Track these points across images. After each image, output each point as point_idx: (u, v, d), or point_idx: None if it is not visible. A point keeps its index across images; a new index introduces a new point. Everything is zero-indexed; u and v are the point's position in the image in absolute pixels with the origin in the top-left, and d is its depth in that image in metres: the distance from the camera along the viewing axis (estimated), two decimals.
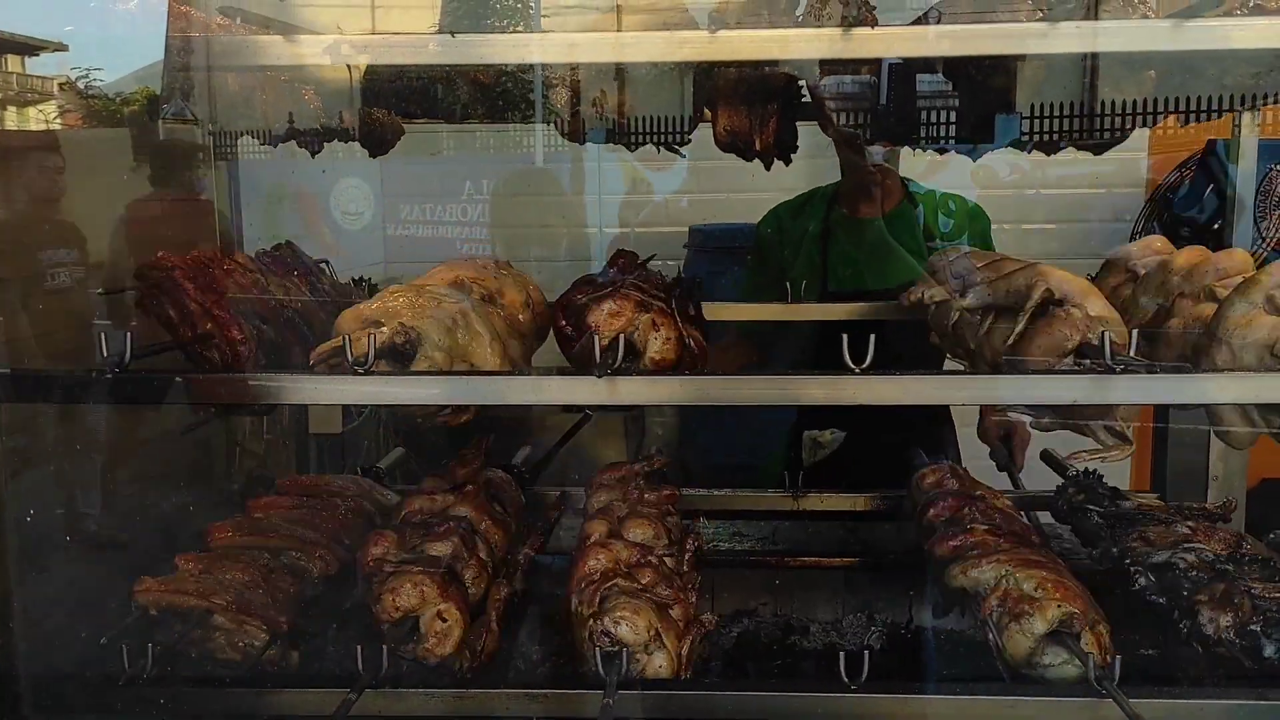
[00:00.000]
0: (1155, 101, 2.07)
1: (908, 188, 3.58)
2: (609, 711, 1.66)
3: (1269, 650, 1.80)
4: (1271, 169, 3.85)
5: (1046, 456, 3.08)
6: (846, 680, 1.77)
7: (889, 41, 1.62)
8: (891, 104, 2.15)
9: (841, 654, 1.80)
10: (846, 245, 3.50)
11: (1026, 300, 1.91)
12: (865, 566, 2.87)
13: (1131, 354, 1.69)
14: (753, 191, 3.80)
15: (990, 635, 1.88)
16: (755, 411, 3.76)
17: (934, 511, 2.50)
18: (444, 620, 1.87)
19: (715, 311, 3.03)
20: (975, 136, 2.32)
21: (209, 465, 2.81)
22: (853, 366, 1.71)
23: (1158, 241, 2.46)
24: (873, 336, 1.73)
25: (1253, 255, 4.19)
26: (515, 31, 2.09)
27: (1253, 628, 1.87)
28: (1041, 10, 1.73)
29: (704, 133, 2.44)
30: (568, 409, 3.37)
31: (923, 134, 2.29)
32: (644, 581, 1.87)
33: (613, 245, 5.26)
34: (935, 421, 3.57)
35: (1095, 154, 2.04)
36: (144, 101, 2.87)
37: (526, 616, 2.34)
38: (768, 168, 2.10)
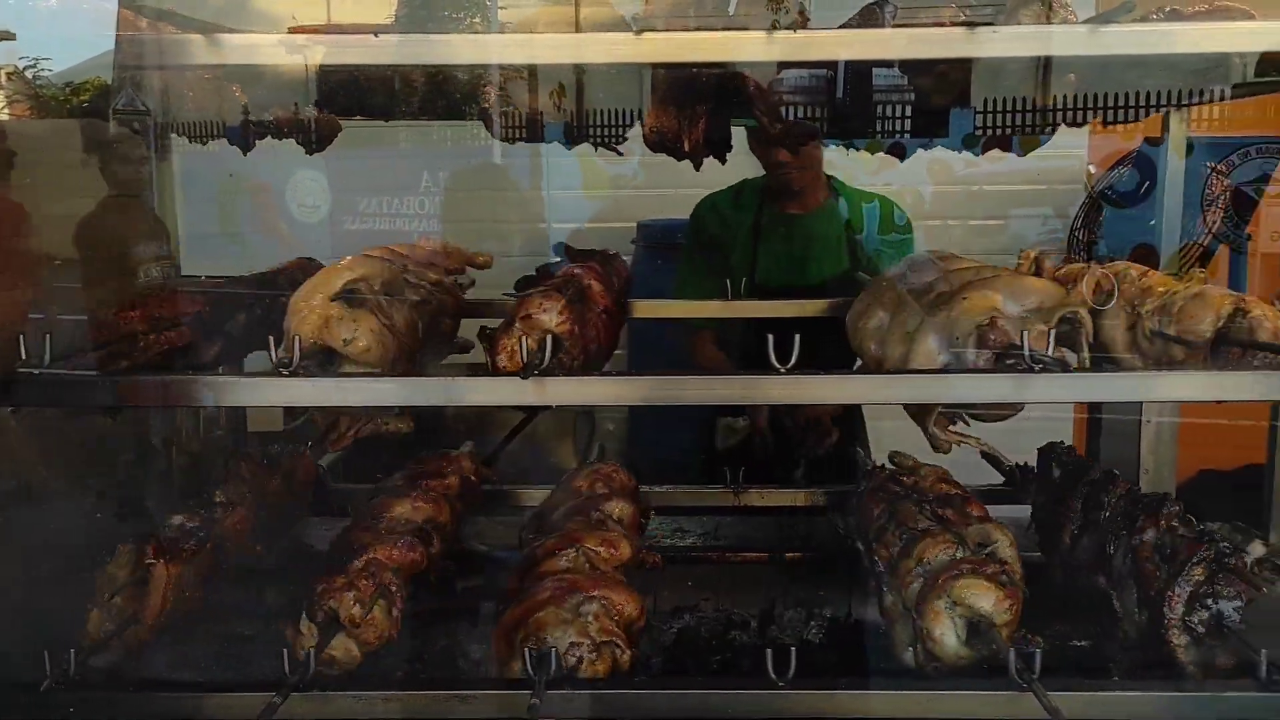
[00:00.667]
0: (1080, 99, 2.11)
1: (832, 183, 3.62)
2: (535, 710, 1.66)
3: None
4: (1206, 166, 3.94)
5: (985, 454, 3.12)
6: (774, 676, 1.79)
7: (802, 45, 1.63)
8: (848, 99, 2.17)
9: (769, 651, 1.82)
10: (776, 241, 3.55)
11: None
12: (805, 561, 2.91)
13: (1049, 353, 1.72)
14: (702, 187, 3.82)
15: (915, 621, 1.92)
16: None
17: (878, 510, 2.53)
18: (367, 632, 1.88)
19: (653, 309, 3.05)
20: (924, 132, 2.35)
21: (144, 464, 2.77)
22: (777, 366, 1.73)
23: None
24: (796, 337, 1.75)
25: (1197, 245, 4.29)
26: (472, 23, 2.08)
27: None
28: (964, 12, 1.75)
29: None
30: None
31: (876, 129, 2.31)
32: (582, 586, 1.88)
33: (568, 240, 5.28)
34: (846, 411, 3.63)
35: (1020, 155, 2.07)
36: (95, 91, 2.82)
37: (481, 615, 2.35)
38: (696, 168, 2.11)
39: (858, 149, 3.76)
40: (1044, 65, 1.90)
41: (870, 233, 3.55)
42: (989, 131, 2.26)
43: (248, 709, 1.73)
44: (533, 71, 2.00)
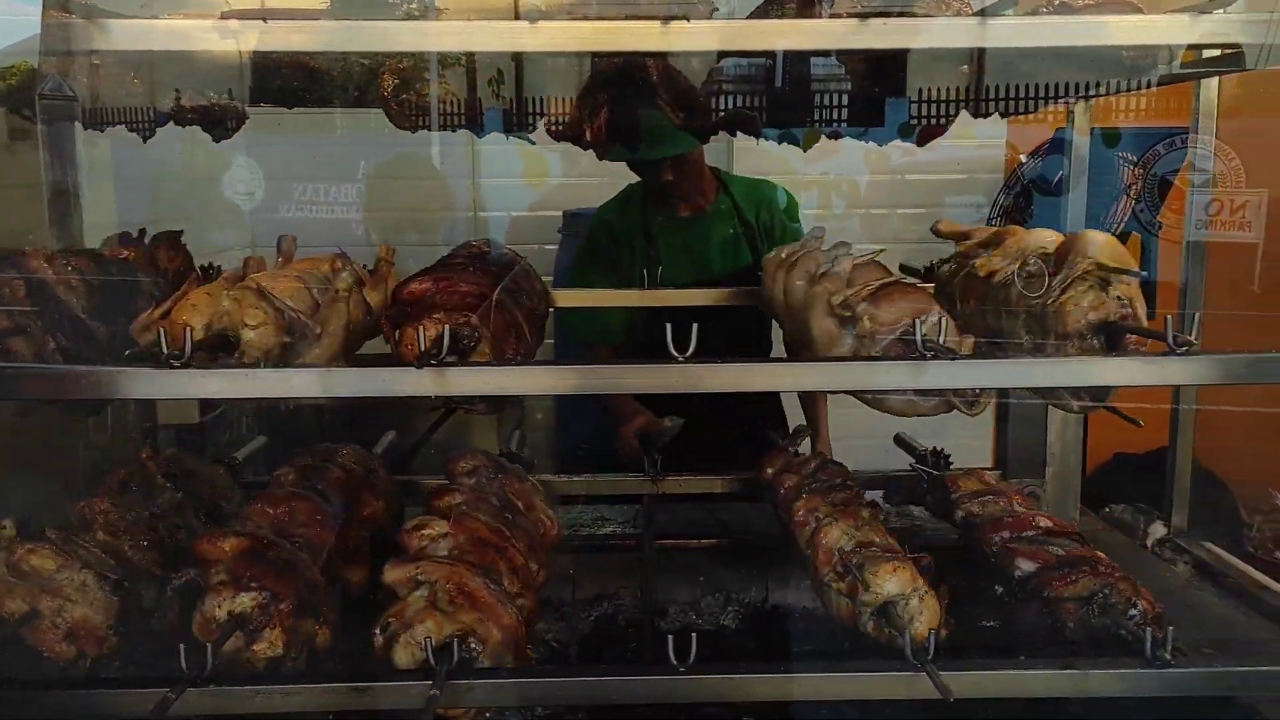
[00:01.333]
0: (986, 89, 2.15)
1: (719, 177, 3.61)
2: (435, 701, 1.66)
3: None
4: (1119, 155, 4.03)
5: (899, 440, 3.16)
6: (675, 662, 1.81)
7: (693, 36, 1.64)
8: (785, 89, 2.18)
9: (670, 636, 1.83)
10: (671, 246, 3.51)
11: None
12: (724, 547, 2.94)
13: (942, 341, 1.75)
14: (618, 177, 3.81)
15: (827, 592, 1.95)
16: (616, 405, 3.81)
17: (793, 480, 2.56)
18: (271, 630, 1.86)
19: (573, 298, 3.06)
20: (860, 122, 2.36)
21: (49, 458, 2.70)
22: (675, 354, 1.74)
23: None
24: (695, 326, 1.76)
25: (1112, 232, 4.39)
26: (409, 8, 2.05)
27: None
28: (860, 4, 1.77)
29: None
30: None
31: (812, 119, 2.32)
32: (457, 581, 1.87)
33: (494, 229, 5.24)
34: (768, 409, 3.66)
35: (918, 145, 2.11)
36: (21, 76, 2.74)
37: None
38: (600, 157, 2.11)
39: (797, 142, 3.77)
40: (976, 56, 1.93)
41: (774, 218, 3.54)
42: (923, 121, 2.28)
43: (141, 705, 1.71)
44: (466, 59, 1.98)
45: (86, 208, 2.93)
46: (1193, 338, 1.74)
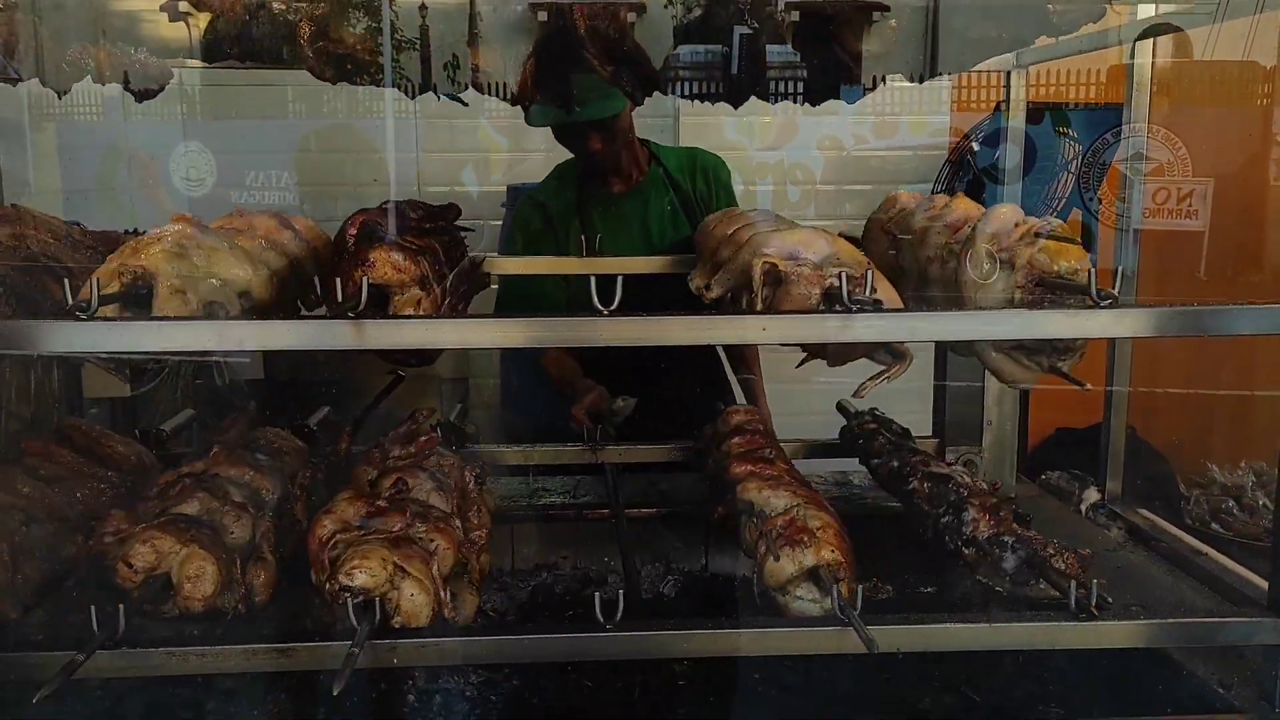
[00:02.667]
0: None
1: (650, 149, 3.55)
2: (352, 660, 1.63)
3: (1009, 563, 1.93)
4: (1059, 131, 4.07)
5: (840, 406, 3.17)
6: (602, 620, 1.79)
7: None
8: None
9: (597, 595, 1.81)
10: (607, 223, 3.45)
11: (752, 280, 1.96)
12: (663, 517, 2.93)
13: (868, 294, 1.74)
14: (557, 150, 3.77)
15: (760, 552, 1.93)
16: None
17: (739, 440, 2.56)
18: (193, 565, 1.81)
19: (512, 266, 3.02)
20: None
21: None
22: (600, 308, 1.72)
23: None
24: (619, 278, 1.74)
25: (1051, 212, 4.43)
26: None
27: (1004, 538, 2.04)
28: None
29: None
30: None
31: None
32: (386, 527, 1.84)
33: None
34: (716, 389, 3.66)
35: (812, 105, 2.11)
36: None
37: None
38: (527, 119, 2.07)
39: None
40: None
41: (712, 186, 3.51)
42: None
43: (48, 668, 1.66)
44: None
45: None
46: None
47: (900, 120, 5.21)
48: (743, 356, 3.74)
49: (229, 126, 4.73)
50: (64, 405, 2.86)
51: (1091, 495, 2.88)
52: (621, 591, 1.82)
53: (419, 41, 2.11)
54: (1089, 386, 2.00)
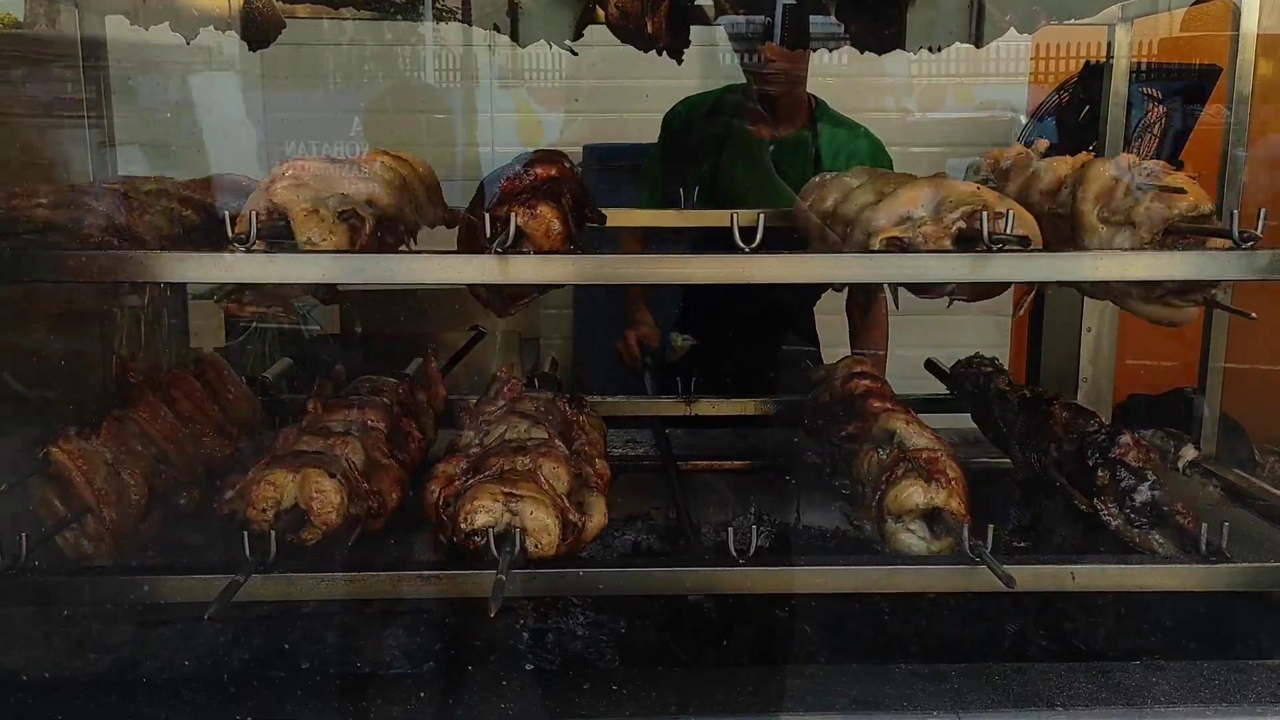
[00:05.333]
0: None
1: (814, 112, 3.52)
2: (501, 586, 1.66)
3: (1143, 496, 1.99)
4: (1143, 92, 4.01)
5: (930, 365, 3.18)
6: (735, 554, 1.82)
7: None
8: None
9: (730, 529, 1.84)
10: (735, 163, 3.45)
11: None
12: (755, 469, 2.95)
13: (1008, 230, 1.75)
14: (646, 111, 3.79)
15: (890, 475, 1.95)
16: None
17: (867, 382, 2.57)
18: (310, 485, 1.86)
19: (626, 218, 3.03)
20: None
21: (83, 376, 2.69)
22: (742, 246, 1.73)
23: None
24: (761, 215, 1.75)
25: None
26: None
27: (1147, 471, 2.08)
28: None
29: (601, 52, 2.43)
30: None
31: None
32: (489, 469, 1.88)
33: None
34: (804, 336, 3.65)
35: (976, 47, 2.10)
36: (4, 28, 2.72)
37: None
38: (659, 52, 2.08)
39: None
40: None
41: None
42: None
43: (206, 591, 1.72)
44: None
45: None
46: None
47: (968, 82, 5.17)
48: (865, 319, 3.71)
49: (304, 87, 4.78)
50: (173, 353, 2.92)
51: (1189, 453, 2.86)
52: (755, 528, 1.85)
53: None
54: (1254, 316, 2.00)
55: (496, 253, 1.71)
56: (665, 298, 3.83)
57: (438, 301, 4.59)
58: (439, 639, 2.10)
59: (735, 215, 1.74)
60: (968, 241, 1.84)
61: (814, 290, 3.78)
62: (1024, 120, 4.87)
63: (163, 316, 2.86)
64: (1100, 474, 2.15)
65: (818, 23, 2.44)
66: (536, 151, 2.15)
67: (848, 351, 3.67)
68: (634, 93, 4.50)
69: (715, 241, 1.82)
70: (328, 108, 4.61)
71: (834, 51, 3.57)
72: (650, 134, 3.71)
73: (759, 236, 1.74)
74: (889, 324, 3.71)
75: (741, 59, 3.36)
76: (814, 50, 3.35)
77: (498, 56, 4.82)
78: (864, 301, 3.66)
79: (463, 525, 1.79)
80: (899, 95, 5.26)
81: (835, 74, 4.05)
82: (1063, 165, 2.06)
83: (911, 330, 4.03)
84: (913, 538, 1.97)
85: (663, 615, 2.17)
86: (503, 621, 2.14)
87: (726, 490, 2.87)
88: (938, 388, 3.06)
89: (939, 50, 2.33)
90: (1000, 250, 1.73)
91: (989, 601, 2.11)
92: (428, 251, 1.86)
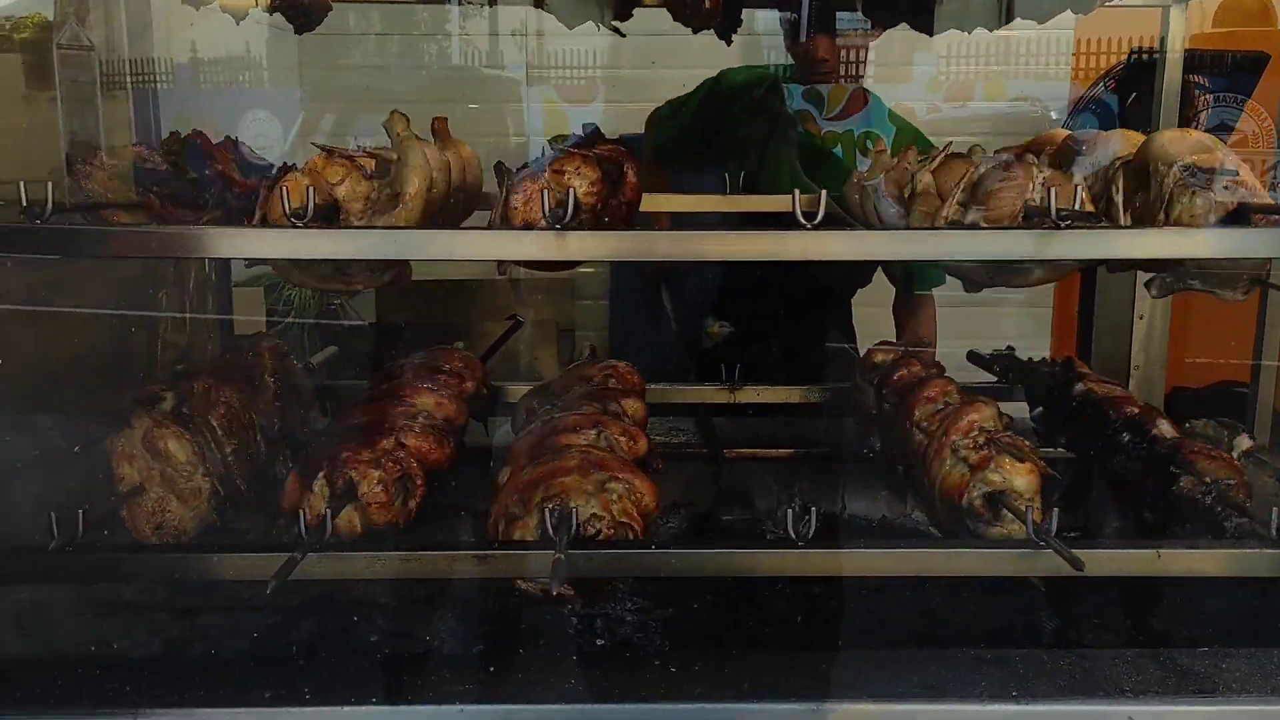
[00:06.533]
0: None
1: (867, 99, 3.46)
2: (561, 566, 1.65)
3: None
4: (1187, 79, 3.93)
5: (972, 356, 3.13)
6: (794, 536, 1.80)
7: None
8: None
9: (789, 510, 1.81)
10: (784, 152, 3.36)
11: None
12: (801, 458, 2.92)
13: (1076, 208, 1.71)
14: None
15: (946, 458, 1.93)
16: (680, 319, 3.77)
17: (919, 367, 2.54)
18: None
19: (657, 204, 3.01)
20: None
21: (127, 353, 2.69)
22: (804, 221, 1.71)
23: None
24: (824, 192, 1.73)
25: None
26: None
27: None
28: None
29: (636, 42, 2.41)
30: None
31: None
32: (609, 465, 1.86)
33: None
34: (838, 324, 3.61)
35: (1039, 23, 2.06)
36: (36, 28, 2.73)
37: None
38: (720, 35, 2.05)
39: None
40: None
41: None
42: None
43: (262, 569, 1.71)
44: None
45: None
46: None
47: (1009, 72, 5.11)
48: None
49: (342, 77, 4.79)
50: (218, 337, 2.92)
51: (1243, 442, 2.80)
52: (812, 510, 1.82)
53: None
54: None
55: (555, 228, 1.69)
56: (701, 288, 3.80)
57: (471, 292, 4.59)
58: (490, 621, 2.09)
59: (796, 193, 1.71)
60: (1032, 220, 1.80)
61: (853, 281, 3.74)
62: (1054, 116, 4.81)
63: (208, 301, 2.86)
64: (1171, 469, 2.11)
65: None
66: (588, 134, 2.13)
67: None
68: (673, 85, 4.46)
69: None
70: (361, 98, 4.62)
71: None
72: None
73: (821, 213, 1.71)
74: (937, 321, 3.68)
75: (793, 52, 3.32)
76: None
77: (532, 45, 4.81)
78: (909, 301, 3.65)
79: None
80: (928, 88, 5.22)
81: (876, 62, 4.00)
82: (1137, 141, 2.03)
83: (949, 322, 3.99)
84: (979, 523, 1.94)
85: (707, 603, 2.15)
86: (556, 607, 2.13)
87: (770, 478, 2.84)
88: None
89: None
90: (1069, 227, 1.69)
91: (1034, 590, 2.09)
92: (484, 229, 1.84)
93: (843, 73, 3.43)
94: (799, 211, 1.71)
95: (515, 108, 5.08)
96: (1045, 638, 2.00)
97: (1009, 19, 2.46)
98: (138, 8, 2.78)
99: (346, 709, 1.63)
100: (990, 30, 2.60)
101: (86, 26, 2.48)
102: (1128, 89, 3.92)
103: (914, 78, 5.23)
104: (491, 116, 4.99)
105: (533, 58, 4.91)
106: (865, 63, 3.40)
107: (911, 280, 3.65)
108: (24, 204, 1.67)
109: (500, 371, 3.53)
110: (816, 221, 1.71)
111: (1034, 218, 1.78)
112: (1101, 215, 1.94)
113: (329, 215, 1.85)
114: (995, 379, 2.95)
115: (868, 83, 3.60)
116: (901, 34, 2.58)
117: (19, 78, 2.78)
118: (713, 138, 3.38)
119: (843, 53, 3.32)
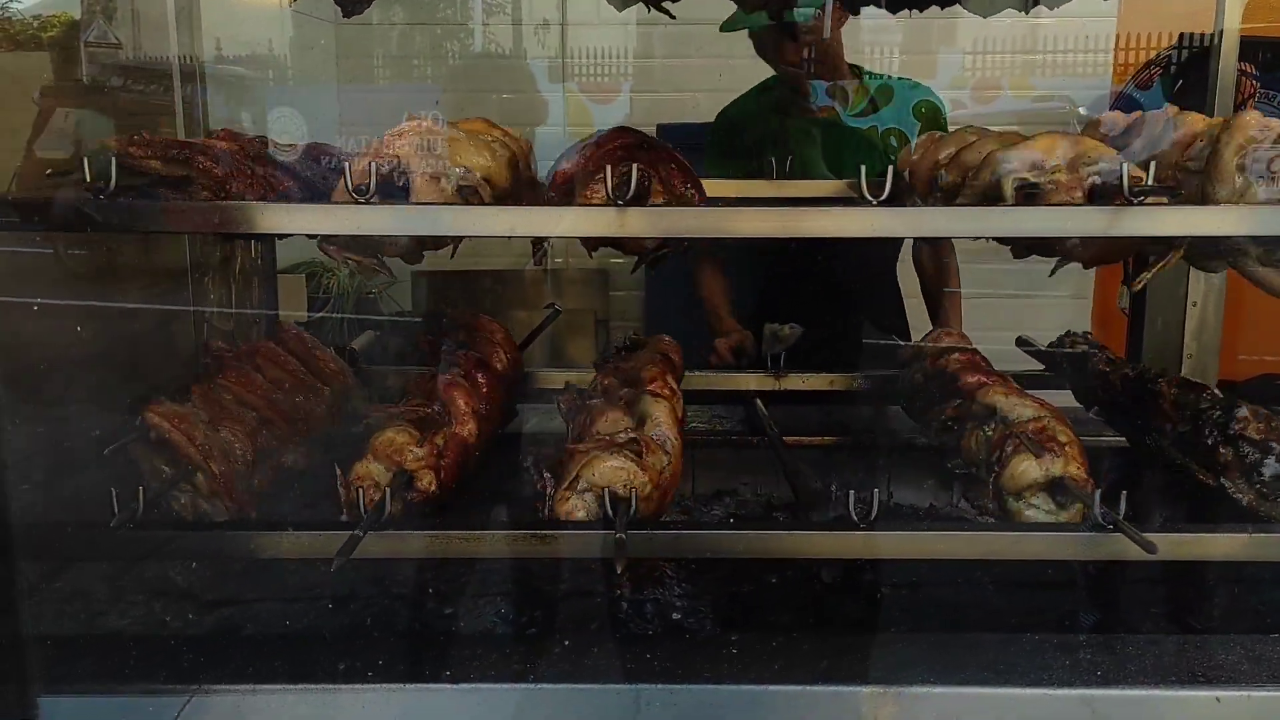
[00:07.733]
0: None
1: (860, 77, 3.44)
2: (623, 546, 1.63)
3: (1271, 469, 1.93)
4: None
5: (1021, 342, 3.10)
6: (855, 519, 1.78)
7: None
8: None
9: (850, 493, 1.79)
10: (805, 147, 3.32)
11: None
12: (845, 445, 2.89)
13: (1149, 183, 1.68)
14: (720, 91, 3.73)
15: (1003, 453, 1.90)
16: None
17: (960, 356, 2.51)
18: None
19: (718, 188, 2.98)
20: None
21: (171, 336, 2.70)
22: (869, 198, 1.69)
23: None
24: (891, 169, 1.71)
25: None
26: None
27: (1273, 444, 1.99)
28: None
29: (684, 31, 2.39)
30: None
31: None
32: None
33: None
34: (893, 316, 3.58)
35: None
36: (63, 27, 2.74)
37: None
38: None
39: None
40: None
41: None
42: None
43: (322, 548, 1.70)
44: None
45: None
46: None
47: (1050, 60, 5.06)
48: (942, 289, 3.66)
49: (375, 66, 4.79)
50: (262, 322, 2.92)
51: None
52: (875, 492, 1.80)
53: None
54: None
55: (618, 205, 1.68)
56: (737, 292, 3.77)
57: (507, 281, 4.59)
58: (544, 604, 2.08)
59: (863, 168, 1.69)
60: (1100, 199, 1.77)
61: (885, 260, 3.70)
62: (1083, 112, 4.75)
63: (254, 285, 2.87)
64: (1222, 450, 2.08)
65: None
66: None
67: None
68: (708, 72, 4.45)
69: None
70: (398, 89, 4.62)
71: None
72: None
73: (887, 189, 1.69)
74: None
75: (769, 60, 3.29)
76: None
77: (564, 36, 4.81)
78: (934, 269, 3.61)
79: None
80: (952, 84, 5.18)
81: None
82: (1199, 120, 1.98)
83: (991, 312, 3.95)
84: (1038, 512, 1.92)
85: (756, 587, 2.14)
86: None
87: (814, 465, 2.82)
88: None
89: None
90: (1141, 203, 1.66)
91: (1081, 578, 2.07)
92: (543, 207, 1.83)
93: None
94: (865, 188, 1.69)
95: (545, 99, 5.07)
96: (1118, 624, 1.96)
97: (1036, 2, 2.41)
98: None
99: (411, 687, 1.62)
100: (1022, 12, 2.58)
101: (114, 24, 2.47)
102: (1174, 79, 3.85)
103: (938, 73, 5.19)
104: (523, 106, 4.99)
105: (557, 52, 4.91)
106: (841, 46, 3.35)
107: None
108: (87, 179, 1.67)
109: (536, 363, 3.55)
110: (883, 197, 1.69)
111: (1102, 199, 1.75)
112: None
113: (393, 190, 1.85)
114: (1044, 368, 2.92)
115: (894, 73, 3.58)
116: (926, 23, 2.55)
117: (48, 77, 2.80)
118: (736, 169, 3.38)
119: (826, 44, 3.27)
